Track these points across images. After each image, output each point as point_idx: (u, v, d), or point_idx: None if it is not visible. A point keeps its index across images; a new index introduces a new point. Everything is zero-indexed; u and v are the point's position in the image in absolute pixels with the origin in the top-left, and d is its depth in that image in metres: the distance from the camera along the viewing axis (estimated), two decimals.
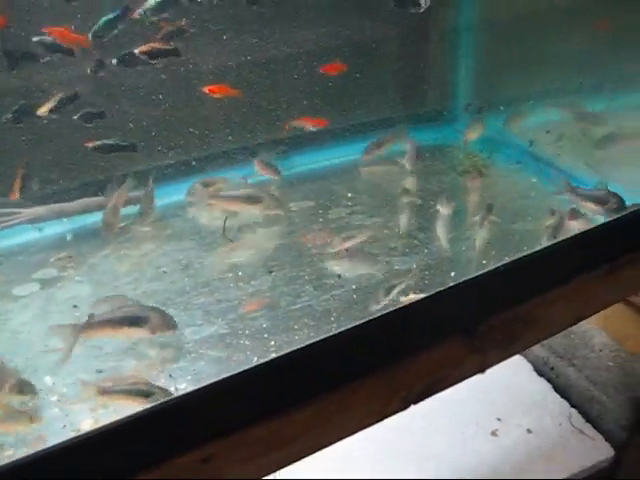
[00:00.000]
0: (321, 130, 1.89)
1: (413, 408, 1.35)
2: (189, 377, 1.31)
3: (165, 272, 1.54)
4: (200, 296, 1.46)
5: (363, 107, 1.94)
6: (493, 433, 1.98)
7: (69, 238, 1.65)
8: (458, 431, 1.97)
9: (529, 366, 2.23)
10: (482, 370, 1.45)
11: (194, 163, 1.85)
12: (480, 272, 1.40)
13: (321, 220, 1.72)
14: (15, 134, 1.60)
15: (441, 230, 1.64)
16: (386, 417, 1.33)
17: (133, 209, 1.71)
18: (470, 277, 1.38)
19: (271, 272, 1.53)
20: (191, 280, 1.52)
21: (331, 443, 1.29)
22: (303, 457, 1.25)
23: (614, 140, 1.79)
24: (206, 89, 1.79)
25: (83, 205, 1.66)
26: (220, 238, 1.65)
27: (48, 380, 1.27)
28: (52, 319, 1.41)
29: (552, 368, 2.24)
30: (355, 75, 1.88)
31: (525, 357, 2.26)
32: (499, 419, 2.03)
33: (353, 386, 1.27)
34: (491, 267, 1.41)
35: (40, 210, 1.62)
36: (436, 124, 2.05)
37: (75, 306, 1.42)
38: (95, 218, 1.65)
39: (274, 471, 1.23)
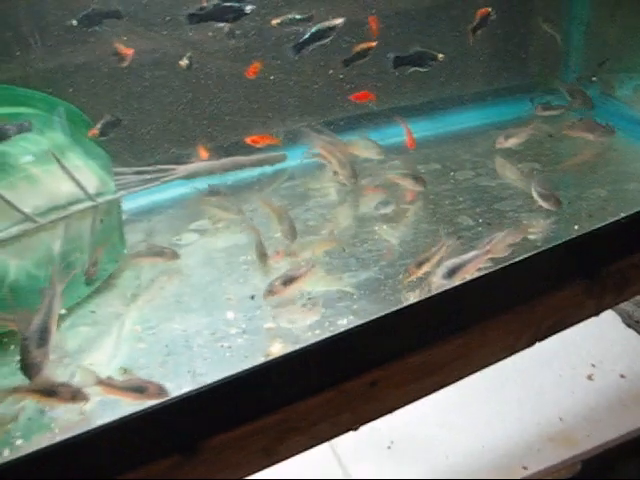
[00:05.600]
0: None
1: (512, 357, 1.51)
2: None
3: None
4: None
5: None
6: (589, 377, 2.13)
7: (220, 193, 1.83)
8: (556, 375, 2.12)
9: (618, 318, 2.37)
10: (597, 313, 1.60)
11: None
12: (600, 224, 1.55)
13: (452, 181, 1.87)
14: None
15: None
16: (517, 351, 1.49)
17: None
18: (593, 228, 1.53)
19: None
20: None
21: (471, 373, 1.46)
22: (448, 385, 1.42)
23: None
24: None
25: (231, 163, 1.85)
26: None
27: (230, 315, 1.45)
28: (217, 265, 1.60)
29: (637, 322, 2.38)
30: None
31: (612, 310, 2.40)
32: (594, 365, 2.18)
33: (491, 322, 1.43)
34: (610, 220, 1.56)
35: (193, 167, 1.80)
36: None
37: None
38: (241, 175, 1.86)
39: (426, 395, 1.40)
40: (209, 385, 1.17)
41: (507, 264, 1.41)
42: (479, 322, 1.42)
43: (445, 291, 1.35)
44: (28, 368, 1.20)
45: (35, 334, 1.23)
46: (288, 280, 1.44)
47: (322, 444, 1.33)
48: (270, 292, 1.43)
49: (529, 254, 1.43)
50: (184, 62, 1.74)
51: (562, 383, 2.10)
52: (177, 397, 1.14)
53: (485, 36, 1.88)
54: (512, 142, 1.93)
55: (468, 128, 2.09)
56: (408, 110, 2.07)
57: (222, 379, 1.18)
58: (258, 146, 1.92)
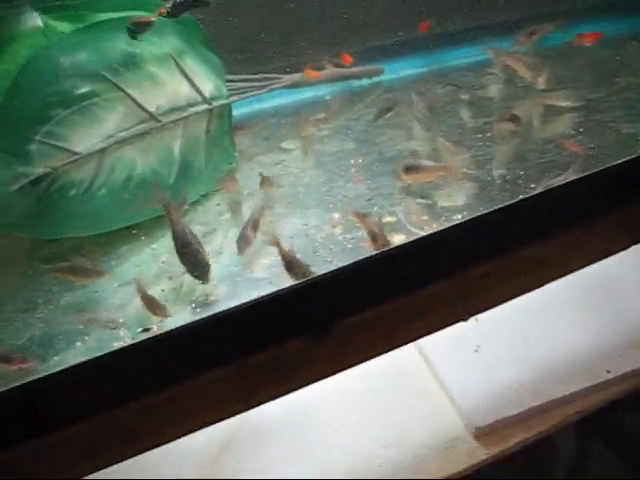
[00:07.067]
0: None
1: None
2: None
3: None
4: None
5: None
6: None
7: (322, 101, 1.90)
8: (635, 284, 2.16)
9: None
10: None
11: None
12: None
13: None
14: None
15: None
16: (614, 253, 1.55)
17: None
18: None
19: None
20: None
21: (572, 271, 1.52)
22: (552, 280, 1.49)
23: None
24: None
25: (332, 74, 1.91)
26: None
27: (335, 215, 1.52)
28: (328, 167, 1.67)
29: None
30: None
31: None
32: None
33: (594, 222, 1.49)
34: None
35: (297, 77, 1.87)
36: None
37: None
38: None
39: (532, 290, 1.47)
40: (336, 270, 1.24)
41: (609, 165, 1.45)
42: (583, 220, 1.47)
43: (553, 189, 1.41)
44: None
45: None
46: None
47: (434, 333, 1.41)
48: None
49: (631, 157, 1.47)
50: None
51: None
52: (308, 279, 1.22)
53: None
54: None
55: (564, 44, 2.12)
56: (499, 28, 2.11)
57: (347, 265, 1.25)
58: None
